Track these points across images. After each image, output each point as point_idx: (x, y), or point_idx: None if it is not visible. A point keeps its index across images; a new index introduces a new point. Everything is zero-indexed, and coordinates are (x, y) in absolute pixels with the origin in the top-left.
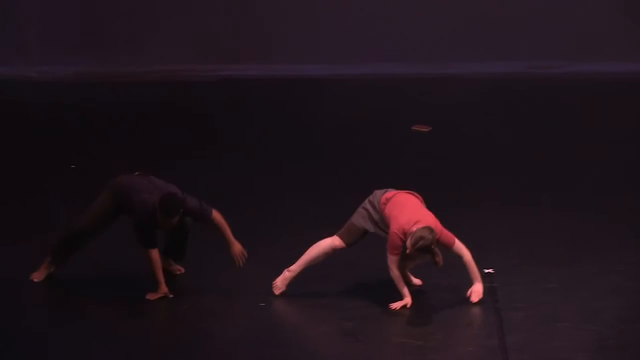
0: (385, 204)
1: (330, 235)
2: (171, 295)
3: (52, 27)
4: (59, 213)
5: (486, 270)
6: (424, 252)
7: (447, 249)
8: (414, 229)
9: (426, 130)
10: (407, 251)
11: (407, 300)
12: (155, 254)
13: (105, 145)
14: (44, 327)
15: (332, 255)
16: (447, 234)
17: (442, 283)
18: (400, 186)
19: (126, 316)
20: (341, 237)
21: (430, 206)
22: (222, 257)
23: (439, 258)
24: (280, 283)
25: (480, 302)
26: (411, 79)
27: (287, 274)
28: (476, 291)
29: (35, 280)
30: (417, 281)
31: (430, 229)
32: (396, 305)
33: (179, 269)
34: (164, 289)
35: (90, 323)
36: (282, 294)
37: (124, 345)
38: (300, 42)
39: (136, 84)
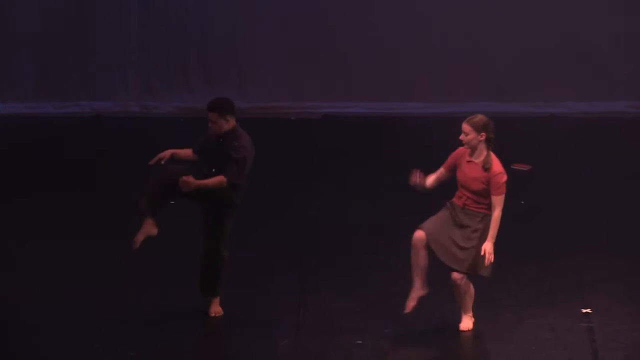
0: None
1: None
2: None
3: (155, 62)
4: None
5: (584, 310)
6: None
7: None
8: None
9: (526, 169)
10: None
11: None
12: None
13: None
14: None
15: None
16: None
17: (539, 322)
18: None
19: (220, 347)
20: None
21: (530, 246)
22: (322, 294)
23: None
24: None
25: (578, 342)
26: (511, 118)
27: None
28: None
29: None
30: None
31: None
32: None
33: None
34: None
35: None
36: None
37: None
38: (400, 80)
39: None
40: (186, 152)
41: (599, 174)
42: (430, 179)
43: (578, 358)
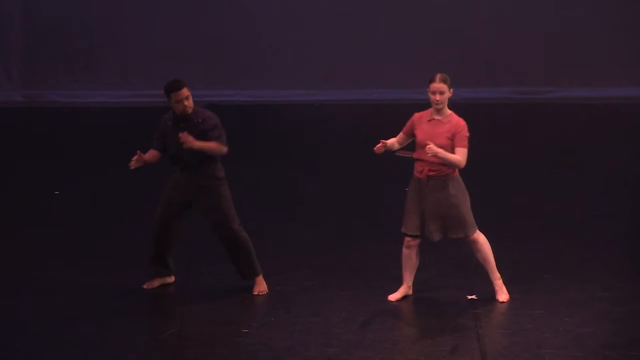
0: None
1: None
2: None
3: (39, 51)
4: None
5: (469, 297)
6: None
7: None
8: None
9: (410, 155)
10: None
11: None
12: None
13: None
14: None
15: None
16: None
17: (425, 309)
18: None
19: (104, 338)
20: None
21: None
22: (208, 282)
23: None
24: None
25: (463, 328)
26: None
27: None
28: None
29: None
30: None
31: None
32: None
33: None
34: None
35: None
36: None
37: None
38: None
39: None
40: (152, 154)
41: (484, 158)
42: (392, 142)
43: (464, 344)
